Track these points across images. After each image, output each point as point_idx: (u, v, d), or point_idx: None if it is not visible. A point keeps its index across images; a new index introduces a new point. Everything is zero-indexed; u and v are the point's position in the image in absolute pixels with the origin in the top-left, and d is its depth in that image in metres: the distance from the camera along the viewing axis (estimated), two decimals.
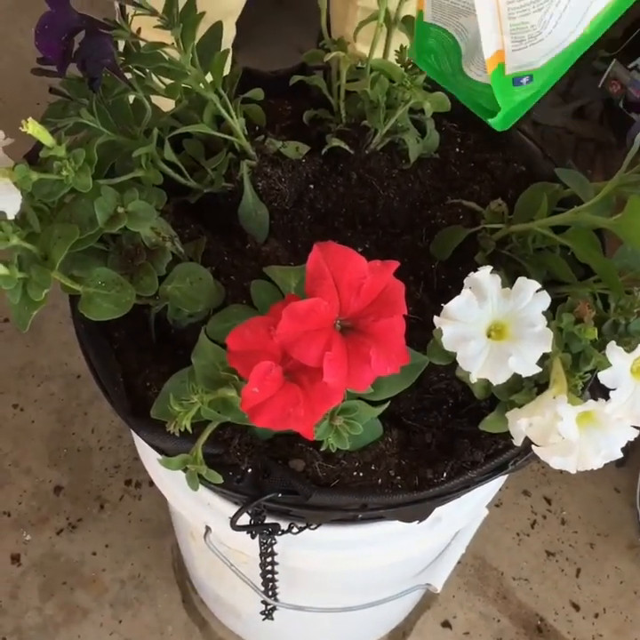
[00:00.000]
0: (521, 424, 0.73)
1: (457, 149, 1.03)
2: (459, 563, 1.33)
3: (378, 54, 0.95)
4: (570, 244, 0.82)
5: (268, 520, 0.84)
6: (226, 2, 1.30)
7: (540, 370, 0.71)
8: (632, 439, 0.75)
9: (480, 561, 1.61)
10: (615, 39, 1.97)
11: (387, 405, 0.78)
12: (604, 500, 1.68)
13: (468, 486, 0.83)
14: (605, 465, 0.70)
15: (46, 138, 0.74)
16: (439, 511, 0.89)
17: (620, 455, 0.74)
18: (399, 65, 0.93)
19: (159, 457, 0.78)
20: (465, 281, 0.73)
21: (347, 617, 1.17)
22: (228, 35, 1.37)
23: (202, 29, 0.85)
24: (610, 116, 1.99)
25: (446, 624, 1.55)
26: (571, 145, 2.01)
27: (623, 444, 0.74)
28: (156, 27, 0.83)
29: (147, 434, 0.80)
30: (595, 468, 0.74)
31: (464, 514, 1.00)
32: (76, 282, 0.79)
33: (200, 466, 0.74)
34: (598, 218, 0.78)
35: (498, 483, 1.04)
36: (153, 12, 0.82)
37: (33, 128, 0.72)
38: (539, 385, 0.76)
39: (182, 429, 0.71)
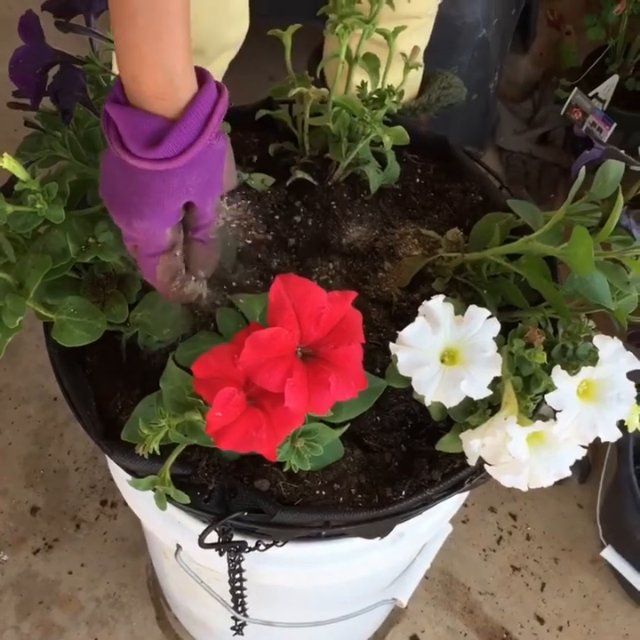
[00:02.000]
0: (474, 444, 0.76)
1: (417, 180, 1.06)
2: (426, 578, 1.36)
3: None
4: (521, 271, 0.86)
5: (235, 538, 0.86)
6: (224, 38, 1.32)
7: (490, 393, 0.75)
8: (580, 458, 0.79)
9: (447, 576, 1.63)
10: (576, 68, 2.03)
11: (346, 428, 0.82)
12: (567, 516, 1.71)
13: (426, 504, 0.86)
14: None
15: (21, 172, 0.77)
16: (402, 527, 0.92)
17: (569, 473, 0.78)
18: (360, 100, 0.96)
19: (129, 478, 0.81)
20: (419, 309, 0.76)
21: (316, 631, 1.19)
22: (220, 69, 1.39)
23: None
24: (573, 142, 2.04)
25: (415, 638, 1.57)
26: (535, 170, 2.05)
27: (571, 463, 0.78)
28: None
29: (118, 456, 0.82)
30: (545, 486, 0.78)
31: (426, 529, 1.02)
32: (49, 310, 0.81)
33: (168, 487, 0.77)
34: (547, 247, 0.81)
35: (458, 500, 1.07)
36: None
37: (8, 163, 0.75)
38: (492, 407, 0.80)
39: (151, 452, 0.74)
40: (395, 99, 0.96)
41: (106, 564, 1.62)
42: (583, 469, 1.71)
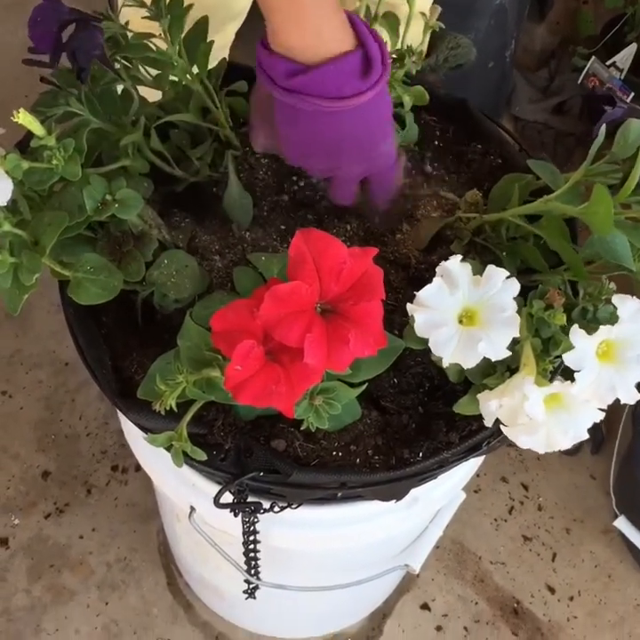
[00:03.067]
0: (491, 405, 0.76)
1: (436, 142, 1.05)
2: (438, 547, 1.36)
3: None
4: (540, 232, 0.85)
5: (250, 499, 0.86)
6: (229, 8, 1.32)
7: (508, 354, 0.74)
8: (598, 420, 0.78)
9: (459, 545, 1.63)
10: (594, 37, 2.01)
11: (365, 387, 0.81)
12: (579, 487, 1.71)
13: (442, 466, 0.85)
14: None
15: (37, 128, 0.76)
16: (416, 492, 0.92)
17: (587, 436, 0.77)
18: None
19: (145, 435, 0.80)
20: (437, 269, 0.75)
21: (328, 597, 1.20)
22: (226, 40, 1.38)
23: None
24: (589, 111, 2.02)
25: (425, 606, 1.58)
26: (551, 140, 2.03)
27: (590, 425, 0.77)
28: (144, 17, 0.85)
29: (133, 414, 0.82)
30: (563, 449, 0.77)
31: (441, 494, 1.02)
32: (65, 267, 0.81)
33: (185, 443, 0.76)
34: (567, 206, 0.80)
35: (473, 464, 1.06)
36: (141, 4, 0.85)
37: (24, 118, 0.74)
38: (511, 369, 0.79)
39: (168, 408, 0.74)
40: (414, 59, 0.95)
41: (117, 528, 1.62)
42: (596, 440, 1.71)
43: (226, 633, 1.53)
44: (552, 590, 1.61)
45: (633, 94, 1.84)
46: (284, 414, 0.70)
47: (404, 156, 0.86)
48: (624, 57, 1.89)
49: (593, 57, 1.91)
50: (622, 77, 1.90)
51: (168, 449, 0.78)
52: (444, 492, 1.03)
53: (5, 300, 0.79)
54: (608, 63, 1.90)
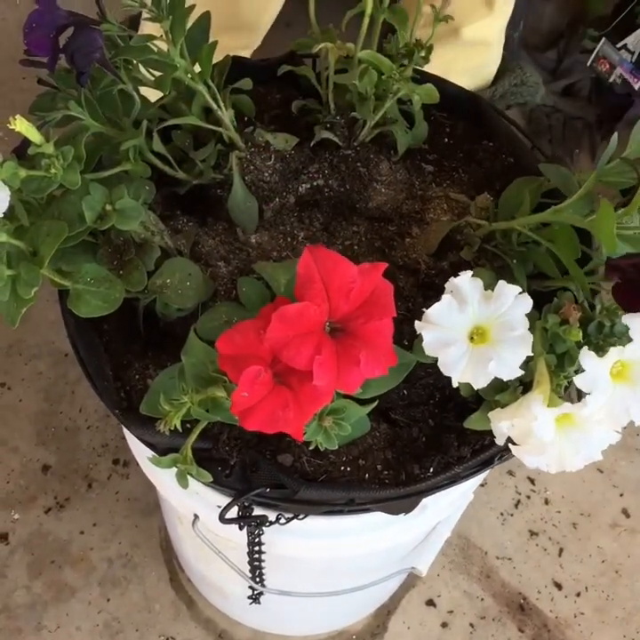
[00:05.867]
0: (502, 426, 0.73)
1: (445, 140, 1.03)
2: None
3: None
4: (550, 245, 0.82)
5: (256, 511, 0.84)
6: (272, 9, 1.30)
7: (521, 373, 0.71)
8: (614, 442, 0.75)
9: (464, 540, 1.62)
10: (604, 18, 1.96)
11: (375, 404, 0.79)
12: (586, 481, 1.69)
13: (454, 481, 0.84)
14: None
15: (34, 135, 0.74)
16: (425, 500, 0.90)
17: (600, 457, 0.74)
18: (387, 55, 0.92)
19: (149, 456, 0.78)
20: (446, 285, 0.72)
21: (332, 598, 1.18)
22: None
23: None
24: (598, 95, 1.99)
25: (430, 602, 1.57)
26: (559, 123, 2.00)
27: (604, 447, 0.74)
28: (145, 19, 0.83)
29: (136, 429, 0.80)
30: (575, 469, 0.74)
31: (450, 502, 1.01)
32: (64, 277, 0.79)
33: (190, 465, 0.74)
34: (576, 217, 0.78)
35: (484, 473, 1.05)
36: (141, 5, 0.82)
37: (21, 125, 0.72)
38: (524, 384, 0.77)
39: (172, 428, 0.72)
40: (423, 54, 0.92)
41: (118, 523, 1.60)
42: None
43: (229, 630, 1.51)
44: (559, 586, 1.59)
45: None
46: (293, 438, 0.68)
47: None
48: (635, 39, 1.84)
49: (603, 39, 1.87)
50: (633, 60, 1.86)
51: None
52: (454, 499, 1.01)
53: (3, 314, 0.77)
54: (619, 45, 1.86)
